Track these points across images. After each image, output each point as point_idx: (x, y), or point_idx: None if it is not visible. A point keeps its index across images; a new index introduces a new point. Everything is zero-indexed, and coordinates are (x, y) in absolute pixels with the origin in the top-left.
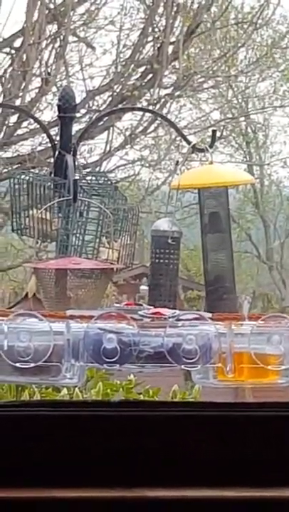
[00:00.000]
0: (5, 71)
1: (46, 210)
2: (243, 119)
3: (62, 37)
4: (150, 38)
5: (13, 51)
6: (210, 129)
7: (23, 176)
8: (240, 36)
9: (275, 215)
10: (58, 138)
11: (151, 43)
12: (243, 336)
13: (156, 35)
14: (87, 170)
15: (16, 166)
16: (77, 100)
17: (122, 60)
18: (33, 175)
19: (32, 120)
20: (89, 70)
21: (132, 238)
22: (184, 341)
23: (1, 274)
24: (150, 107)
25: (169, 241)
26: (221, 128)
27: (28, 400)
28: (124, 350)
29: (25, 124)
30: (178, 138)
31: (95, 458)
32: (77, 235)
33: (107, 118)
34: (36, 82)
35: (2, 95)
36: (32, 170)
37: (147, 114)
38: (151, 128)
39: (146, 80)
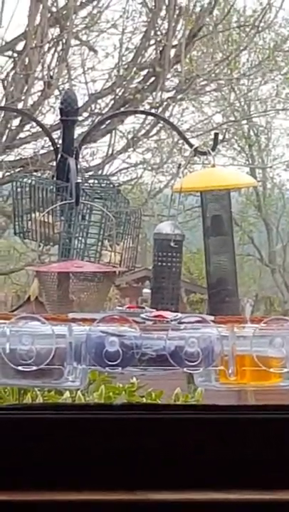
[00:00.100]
0: (7, 74)
1: (48, 213)
2: (245, 122)
3: (64, 40)
4: (152, 41)
5: (15, 54)
6: (212, 132)
7: (25, 179)
8: (242, 39)
9: (277, 218)
10: (60, 141)
11: (154, 46)
12: (246, 338)
13: (159, 39)
14: (90, 173)
15: (19, 169)
16: (80, 103)
17: (124, 63)
18: (36, 178)
19: (34, 123)
20: (91, 74)
21: (135, 241)
22: (186, 344)
23: (3, 278)
24: (152, 110)
25: (172, 244)
26: (224, 131)
27: (30, 403)
28: (126, 353)
29: (27, 127)
30: (180, 141)
31: (97, 461)
32: (80, 238)
33: (109, 121)
34: (38, 86)
35: (4, 98)
36: (34, 173)
37: (150, 118)
38: (154, 131)
39: (148, 83)
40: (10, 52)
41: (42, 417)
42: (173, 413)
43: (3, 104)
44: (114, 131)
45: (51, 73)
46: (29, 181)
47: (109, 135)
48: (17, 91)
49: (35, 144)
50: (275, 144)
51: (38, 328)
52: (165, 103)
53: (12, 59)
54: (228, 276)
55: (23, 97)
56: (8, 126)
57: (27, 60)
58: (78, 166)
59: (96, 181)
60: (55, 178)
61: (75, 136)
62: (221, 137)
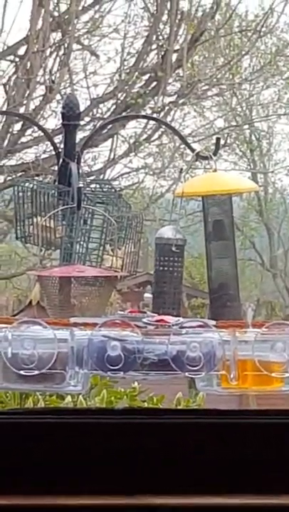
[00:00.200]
0: (9, 79)
1: (50, 217)
2: (247, 126)
3: (66, 45)
4: (154, 46)
5: (17, 59)
6: (214, 137)
7: (27, 184)
8: (244, 44)
9: (279, 222)
10: (62, 146)
11: (156, 51)
12: (247, 343)
13: (161, 43)
14: (91, 178)
15: (20, 173)
16: (81, 108)
17: (126, 67)
18: (37, 183)
19: (36, 128)
20: (93, 78)
21: (136, 246)
22: (188, 349)
23: (4, 282)
24: (154, 115)
25: (173, 249)
26: (225, 136)
27: (32, 407)
28: (128, 357)
29: (29, 131)
30: (182, 146)
31: (98, 465)
32: (81, 242)
33: (111, 126)
34: (40, 90)
35: (6, 103)
36: (36, 178)
37: (151, 122)
38: (156, 136)
39: (150, 88)
40: (12, 57)
41: (43, 421)
42: (174, 417)
43: (4, 109)
44: (115, 136)
45: (53, 78)
46: (31, 186)
47: (110, 140)
48: (19, 95)
49: (37, 148)
50: (277, 148)
51: (40, 332)
52: (167, 108)
53: (14, 63)
54: (229, 281)
55: (24, 102)
56: (10, 130)
57: (29, 64)
58: (80, 171)
59: (98, 186)
60: (56, 183)
61: (77, 140)
62: (222, 142)
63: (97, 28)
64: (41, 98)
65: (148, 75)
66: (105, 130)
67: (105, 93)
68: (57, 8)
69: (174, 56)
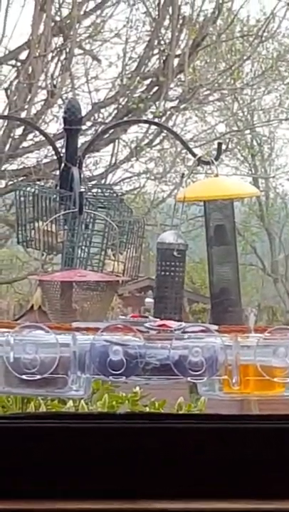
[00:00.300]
0: (11, 83)
1: (52, 222)
2: (248, 131)
3: (68, 49)
4: (156, 51)
5: (18, 63)
6: (215, 142)
7: (28, 189)
8: (245, 49)
9: (280, 228)
10: (63, 150)
11: (157, 56)
12: (249, 348)
13: (162, 48)
14: (93, 182)
15: (22, 178)
16: (83, 113)
17: (127, 72)
18: (39, 187)
19: (37, 132)
20: (94, 83)
21: (138, 251)
22: (190, 353)
23: (6, 287)
24: (156, 120)
25: (175, 253)
26: (227, 141)
27: (33, 411)
28: (130, 362)
29: (30, 136)
30: (183, 151)
31: (100, 469)
32: (83, 247)
33: (112, 130)
34: (42, 95)
35: (8, 107)
36: (37, 182)
37: (153, 127)
38: (157, 141)
39: (151, 93)
40: (13, 61)
41: (45, 425)
42: (176, 422)
43: (6, 113)
44: (117, 141)
45: (54, 82)
46: (32, 190)
47: (112, 144)
48: (20, 100)
49: (38, 153)
50: (278, 153)
51: (42, 337)
52: (168, 112)
53: (15, 68)
54: (231, 286)
55: (26, 106)
56: (11, 135)
57: (30, 69)
58: (81, 176)
59: (99, 190)
60: (58, 187)
61: (79, 145)
62: (224, 147)
63: (98, 32)
64: (43, 103)
65: (150, 80)
66: (107, 135)
67: (107, 98)
68: (59, 13)
69: (176, 61)
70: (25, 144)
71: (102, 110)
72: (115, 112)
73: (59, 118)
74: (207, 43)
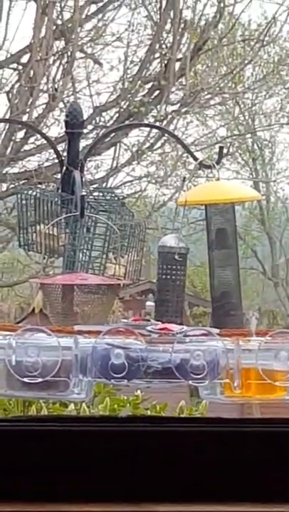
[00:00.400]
0: (12, 87)
1: (53, 225)
2: (249, 135)
3: (69, 53)
4: (157, 55)
5: (20, 67)
6: (216, 146)
7: (30, 192)
8: (247, 53)
9: (280, 231)
10: (65, 154)
11: (159, 60)
12: (251, 351)
13: (164, 52)
14: (94, 186)
15: (23, 181)
16: (85, 116)
17: (129, 76)
18: (40, 190)
19: (39, 136)
20: (96, 86)
21: (139, 254)
22: (191, 357)
23: (7, 290)
24: (157, 124)
25: (176, 257)
26: (228, 145)
27: (35, 415)
28: (131, 365)
29: (32, 139)
30: (184, 154)
31: (101, 472)
32: (84, 250)
33: (114, 134)
34: (43, 98)
35: (9, 111)
36: (39, 185)
37: (154, 131)
38: (158, 144)
39: (153, 97)
40: (15, 65)
41: (47, 428)
42: (177, 426)
43: (7, 117)
44: (118, 144)
45: (56, 86)
46: (34, 194)
47: (113, 148)
48: (22, 103)
49: (40, 156)
50: (279, 157)
51: (44, 340)
52: (170, 116)
53: (17, 71)
54: (232, 290)
55: (27, 110)
56: (13, 138)
57: (32, 72)
58: (83, 179)
59: (101, 194)
60: (59, 191)
61: (80, 148)
62: (225, 151)
63: (100, 36)
64: (44, 106)
65: (151, 84)
66: (108, 138)
67: (108, 101)
68: (60, 17)
69: (177, 65)
70: (26, 148)
71: (104, 114)
72: (117, 115)
73: (60, 121)
74: (208, 47)
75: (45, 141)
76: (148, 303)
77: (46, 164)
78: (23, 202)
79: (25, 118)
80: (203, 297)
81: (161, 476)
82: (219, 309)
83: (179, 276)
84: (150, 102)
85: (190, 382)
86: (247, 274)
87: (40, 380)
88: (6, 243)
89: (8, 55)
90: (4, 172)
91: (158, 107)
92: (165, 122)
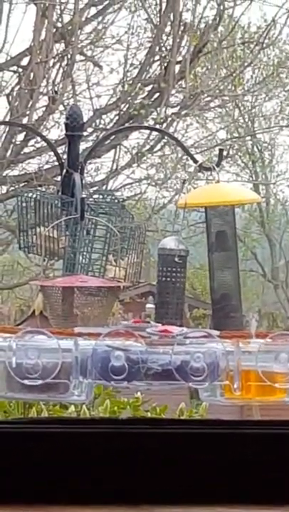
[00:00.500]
0: (12, 89)
1: (53, 228)
2: (249, 138)
3: (69, 56)
4: (157, 57)
5: (20, 69)
6: (216, 148)
7: (30, 194)
8: (246, 56)
9: (280, 234)
10: (65, 156)
11: (158, 62)
12: (251, 353)
13: (163, 55)
14: (94, 188)
15: (23, 184)
16: (84, 119)
17: (129, 78)
18: (40, 193)
19: (39, 138)
20: (96, 89)
21: (139, 256)
22: (191, 359)
23: (7, 292)
24: (157, 126)
25: (176, 259)
26: (227, 147)
27: (35, 417)
28: (132, 367)
29: (32, 142)
30: (184, 157)
31: (101, 474)
32: (84, 253)
33: (113, 137)
34: (43, 101)
35: (9, 113)
36: (39, 188)
37: (154, 133)
38: (158, 147)
39: (153, 99)
40: (15, 67)
41: (47, 430)
42: (177, 427)
43: (8, 119)
44: (118, 147)
45: (56, 88)
46: (34, 196)
47: (113, 150)
48: (22, 106)
49: (40, 158)
50: (279, 160)
51: (44, 342)
52: (169, 119)
53: (17, 74)
54: (232, 292)
55: (27, 112)
56: (13, 141)
57: (32, 75)
58: (83, 181)
59: (101, 196)
60: (60, 193)
61: (80, 151)
62: (224, 153)
63: (100, 39)
64: (44, 109)
65: (151, 86)
66: (108, 141)
67: (108, 104)
68: (60, 19)
69: (177, 67)
70: (26, 150)
71: (104, 116)
72: (116, 118)
73: (60, 124)
74: (208, 49)
75: (45, 144)
76: (148, 305)
77: (46, 167)
78: (23, 204)
79: (25, 120)
80: (203, 299)
81: (161, 477)
82: (219, 311)
83: (178, 278)
84: (150, 104)
85: (190, 384)
86: (247, 277)
87: (40, 382)
88: (6, 245)
89: (8, 58)
90: (4, 175)
91: (158, 109)
92: (165, 125)
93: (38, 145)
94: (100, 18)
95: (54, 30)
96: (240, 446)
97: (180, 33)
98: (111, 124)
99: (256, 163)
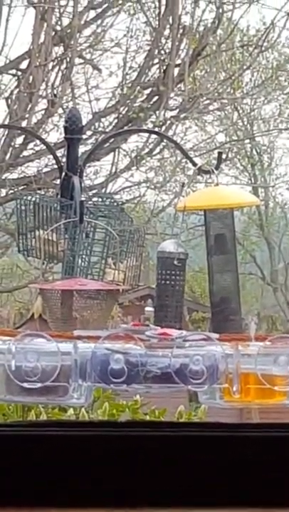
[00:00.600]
0: (11, 92)
1: (52, 231)
2: (248, 141)
3: (68, 59)
4: (156, 60)
5: (19, 73)
6: (215, 151)
7: (29, 197)
8: (245, 59)
9: (279, 237)
10: (64, 159)
11: (157, 65)
12: (250, 356)
13: (162, 58)
14: (94, 191)
15: (22, 187)
16: (84, 122)
17: (128, 82)
18: (40, 196)
19: (38, 141)
20: (95, 92)
21: (138, 259)
22: (190, 362)
23: (6, 295)
24: (156, 129)
25: (175, 262)
26: (226, 150)
27: (34, 419)
28: (131, 370)
29: (31, 145)
30: (183, 160)
31: (100, 477)
32: (84, 256)
33: (112, 140)
34: (42, 104)
35: (8, 117)
36: (38, 191)
37: (153, 136)
38: (157, 150)
39: (152, 102)
40: (14, 71)
41: (46, 433)
42: (176, 430)
43: (7, 122)
44: (117, 150)
45: (55, 92)
46: (33, 199)
47: (112, 153)
48: (21, 109)
49: (39, 162)
50: (278, 163)
51: (43, 345)
52: (168, 122)
53: (16, 77)
54: (231, 295)
55: (26, 115)
56: (12, 144)
57: (31, 78)
58: (82, 184)
59: (100, 199)
60: (59, 196)
61: (79, 154)
62: (223, 156)
63: (99, 42)
64: (43, 112)
65: (150, 89)
66: (107, 144)
67: (107, 107)
68: (59, 23)
69: (176, 70)
70: (25, 153)
71: (103, 119)
72: (116, 121)
73: (59, 127)
74: (207, 52)
75: (44, 147)
76: (147, 308)
77: (45, 170)
78: (23, 208)
79: (24, 124)
80: (202, 302)
81: (160, 480)
82: (218, 314)
83: (178, 281)
84: (149, 107)
85: (189, 386)
86: (246, 280)
87: (39, 385)
88: (5, 249)
89: (7, 61)
90: (3, 178)
91: (157, 112)
92: (164, 128)
93: (37, 148)
94: (99, 22)
95: (53, 33)
96: (239, 449)
97: (179, 36)
98: (110, 127)
99: (255, 166)
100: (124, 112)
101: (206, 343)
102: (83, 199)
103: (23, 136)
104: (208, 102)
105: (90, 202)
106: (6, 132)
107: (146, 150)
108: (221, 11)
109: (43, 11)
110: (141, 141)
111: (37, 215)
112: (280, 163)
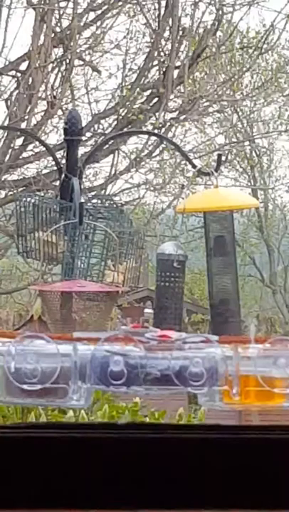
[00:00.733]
0: (11, 94)
1: (52, 232)
2: (247, 143)
3: (68, 60)
4: (156, 62)
5: (19, 74)
6: (214, 153)
7: (28, 199)
8: (245, 61)
9: (278, 239)
10: (63, 161)
11: (157, 67)
12: (250, 358)
13: (162, 59)
14: (93, 193)
15: (22, 188)
16: (83, 124)
17: (127, 83)
18: (39, 198)
19: (37, 143)
20: (95, 94)
21: (138, 261)
22: (190, 364)
23: (5, 297)
24: (155, 131)
25: (175, 264)
26: (226, 152)
27: (34, 421)
28: (130, 372)
29: (30, 147)
30: (183, 162)
31: (100, 480)
32: (83, 257)
33: (112, 141)
34: (42, 106)
35: (8, 118)
36: (37, 193)
37: (152, 138)
38: (157, 152)
39: (151, 104)
40: (13, 72)
41: (46, 435)
42: (176, 433)
43: (6, 124)
44: (117, 152)
45: (55, 93)
46: (32, 201)
47: (112, 155)
48: (20, 111)
49: (38, 163)
50: (277, 165)
51: (43, 346)
52: (168, 124)
53: (16, 79)
54: (230, 297)
55: (26, 117)
56: (12, 145)
57: (30, 79)
58: (81, 186)
59: (99, 201)
60: (58, 198)
61: (79, 156)
62: (223, 158)
63: (98, 43)
64: (43, 113)
65: (149, 91)
66: (107, 146)
67: (107, 109)
68: (59, 24)
69: (176, 72)
70: (25, 155)
71: (102, 121)
72: (115, 123)
73: (59, 129)
74: (207, 54)
75: (43, 149)
76: (146, 310)
77: (45, 171)
78: (22, 209)
79: (23, 125)
80: (201, 304)
81: (159, 483)
82: (218, 316)
83: (177, 283)
84: (149, 109)
85: (189, 389)
86: (245, 282)
87: (39, 386)
88: (4, 250)
89: (7, 63)
90: (3, 179)
91: (156, 114)
92: (163, 130)
93: (36, 150)
94: (98, 23)
95: (53, 35)
96: (239, 452)
97: (179, 38)
98: (110, 129)
99: (255, 168)
100: (123, 114)
101: (206, 345)
102: (83, 201)
103: (23, 137)
104: (207, 103)
105: (89, 204)
106: (6, 134)
107: (146, 152)
108: (220, 12)
109: (43, 12)
110: (140, 142)
111: (36, 216)
112: (280, 165)
